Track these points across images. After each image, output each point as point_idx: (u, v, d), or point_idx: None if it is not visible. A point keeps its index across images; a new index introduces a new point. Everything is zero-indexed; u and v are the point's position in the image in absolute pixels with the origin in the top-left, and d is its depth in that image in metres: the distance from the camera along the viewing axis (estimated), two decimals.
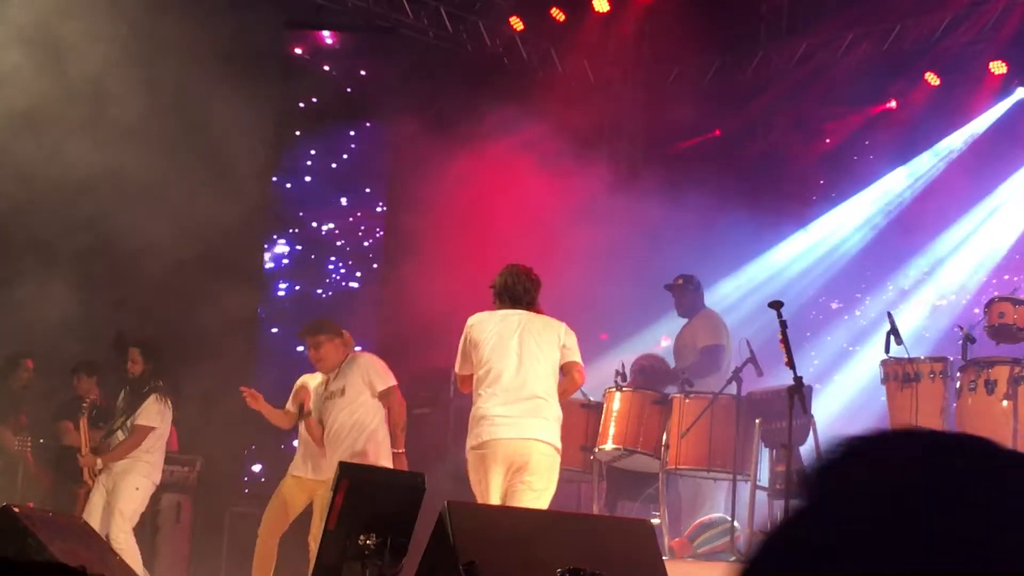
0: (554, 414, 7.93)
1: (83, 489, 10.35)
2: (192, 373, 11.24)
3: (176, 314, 12.09)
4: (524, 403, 7.82)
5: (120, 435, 10.11)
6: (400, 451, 9.00)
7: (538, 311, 8.14)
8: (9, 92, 10.99)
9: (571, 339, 8.10)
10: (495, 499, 7.62)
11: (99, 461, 10.09)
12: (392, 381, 9.16)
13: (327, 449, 9.15)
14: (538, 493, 7.70)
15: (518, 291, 8.12)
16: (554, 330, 8.06)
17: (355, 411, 9.06)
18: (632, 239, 12.93)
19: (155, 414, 10.14)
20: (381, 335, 13.55)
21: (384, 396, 9.09)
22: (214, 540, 12.03)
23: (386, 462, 8.94)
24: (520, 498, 7.61)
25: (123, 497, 9.92)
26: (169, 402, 10.24)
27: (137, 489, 10.02)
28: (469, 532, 5.67)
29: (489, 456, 7.72)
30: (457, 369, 8.19)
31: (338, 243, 15.48)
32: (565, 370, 8.05)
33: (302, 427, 9.70)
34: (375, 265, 15.41)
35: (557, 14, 14.40)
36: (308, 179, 15.39)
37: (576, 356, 8.09)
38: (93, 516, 9.80)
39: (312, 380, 9.76)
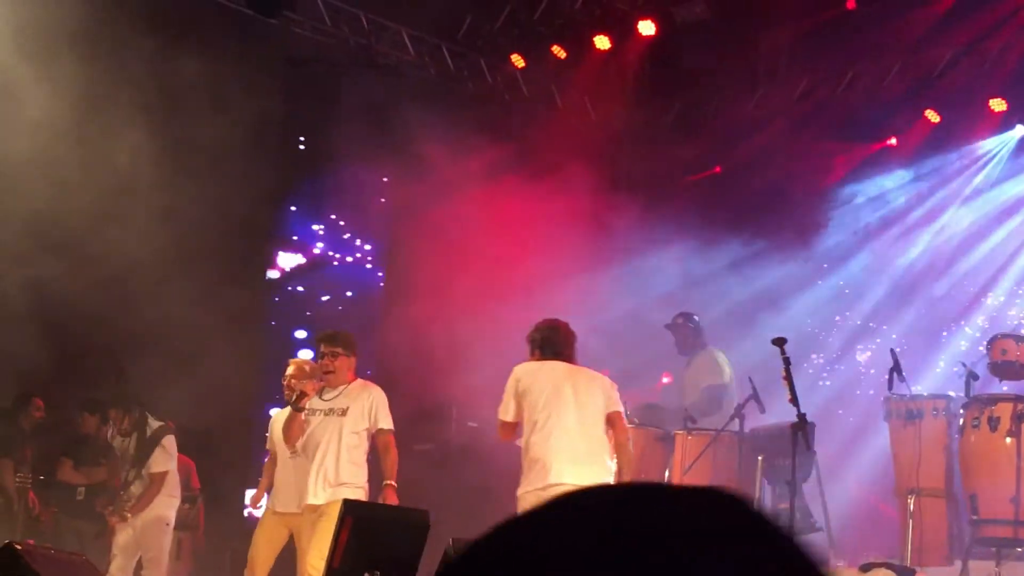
0: (609, 460, 8.23)
1: (97, 528, 10.55)
2: (195, 413, 11.25)
3: (178, 352, 12.06)
4: (586, 449, 8.11)
5: (137, 485, 10.33)
6: (391, 483, 8.87)
7: (574, 363, 8.44)
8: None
9: (614, 391, 8.45)
10: None
11: (128, 516, 10.25)
12: (392, 424, 9.11)
13: (308, 464, 8.91)
14: None
15: (559, 344, 8.42)
16: (599, 382, 8.42)
17: (351, 437, 8.90)
18: (634, 275, 12.93)
19: (166, 458, 10.42)
20: (378, 371, 13.52)
21: (382, 435, 8.98)
22: None
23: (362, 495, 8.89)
24: None
25: (154, 538, 10.25)
26: (173, 440, 10.44)
27: (168, 524, 10.37)
28: None
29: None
30: (506, 416, 8.34)
31: (335, 279, 15.47)
32: (611, 420, 8.33)
33: (280, 462, 9.62)
34: (373, 301, 15.39)
35: (558, 51, 14.46)
36: (304, 213, 15.39)
37: (619, 407, 8.43)
38: (122, 553, 10.08)
39: (281, 415, 9.73)
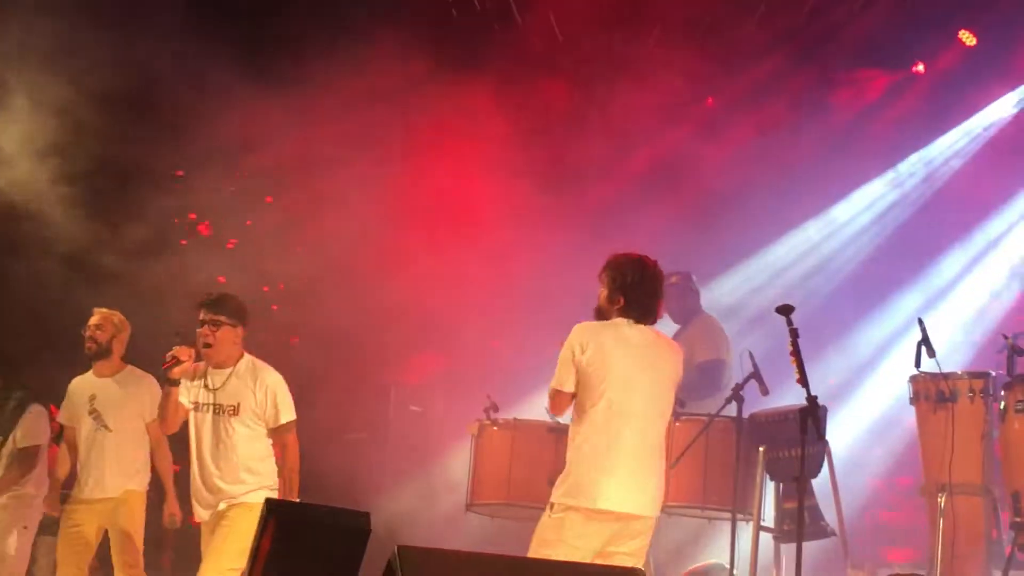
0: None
1: None
2: None
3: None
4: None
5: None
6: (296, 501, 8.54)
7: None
8: None
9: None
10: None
11: None
12: (294, 415, 8.67)
13: (204, 475, 8.58)
14: None
15: (646, 301, 7.61)
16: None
17: (245, 431, 8.57)
18: (612, 227, 12.94)
19: (40, 430, 10.24)
20: (306, 346, 13.50)
21: (283, 431, 8.60)
22: (157, 554, 12.14)
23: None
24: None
25: (8, 542, 9.97)
26: (44, 413, 10.33)
27: (26, 528, 10.15)
28: None
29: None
30: (561, 385, 7.43)
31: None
32: None
33: (82, 442, 9.68)
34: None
35: None
36: None
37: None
38: None
39: (82, 385, 9.78)
